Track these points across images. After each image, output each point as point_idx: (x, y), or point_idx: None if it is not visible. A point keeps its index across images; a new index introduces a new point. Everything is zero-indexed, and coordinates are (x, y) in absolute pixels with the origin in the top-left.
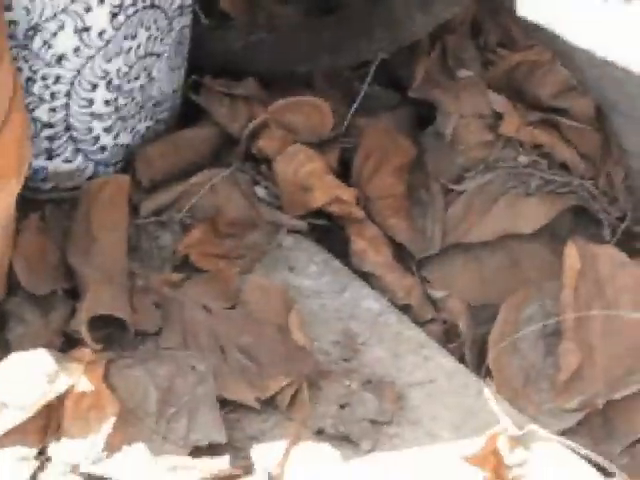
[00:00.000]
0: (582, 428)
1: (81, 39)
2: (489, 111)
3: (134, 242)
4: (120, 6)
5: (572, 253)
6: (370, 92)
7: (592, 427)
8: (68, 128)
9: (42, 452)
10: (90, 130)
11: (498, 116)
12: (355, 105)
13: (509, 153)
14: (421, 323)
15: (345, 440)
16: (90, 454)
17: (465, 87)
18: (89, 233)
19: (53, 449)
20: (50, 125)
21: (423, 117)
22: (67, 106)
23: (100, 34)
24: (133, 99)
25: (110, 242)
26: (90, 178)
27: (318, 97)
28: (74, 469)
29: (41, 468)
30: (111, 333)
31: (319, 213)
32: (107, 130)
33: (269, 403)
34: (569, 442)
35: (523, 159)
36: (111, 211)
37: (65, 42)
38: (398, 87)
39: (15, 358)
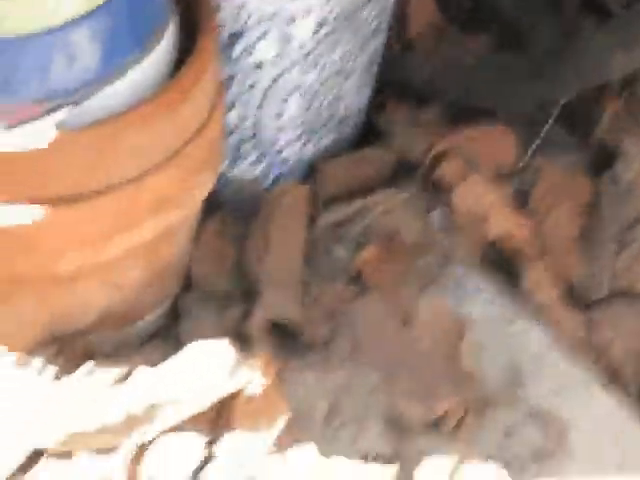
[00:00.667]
0: None
1: (282, 49)
2: None
3: (308, 254)
4: (323, 20)
5: None
6: (551, 132)
7: None
8: (254, 135)
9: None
10: (275, 141)
11: None
12: (536, 142)
13: None
14: (586, 363)
15: (507, 469)
16: (259, 451)
17: None
18: (266, 239)
19: (221, 444)
20: (238, 130)
21: (603, 163)
22: (257, 115)
23: (301, 46)
24: (320, 115)
25: (287, 249)
26: (270, 187)
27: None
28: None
29: (208, 460)
30: (280, 340)
31: (493, 245)
32: (291, 143)
33: (434, 425)
34: None
35: None
36: (289, 219)
37: (266, 50)
38: (580, 129)
39: (197, 347)
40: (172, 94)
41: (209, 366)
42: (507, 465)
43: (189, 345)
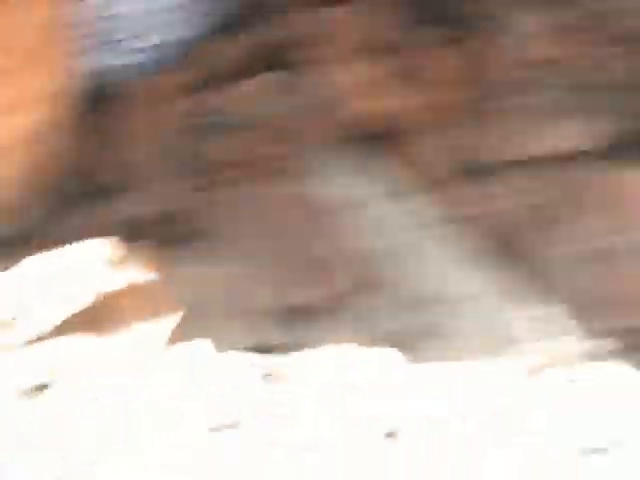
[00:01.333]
0: None
1: None
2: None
3: (179, 143)
4: None
5: None
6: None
7: None
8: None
9: None
10: (148, 27)
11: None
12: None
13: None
14: (473, 235)
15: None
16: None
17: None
18: (132, 129)
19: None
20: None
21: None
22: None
23: None
24: None
25: (152, 139)
26: (144, 75)
27: None
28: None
29: None
30: (163, 230)
31: (357, 124)
32: (165, 27)
33: (323, 310)
34: None
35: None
36: (154, 109)
37: None
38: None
39: (74, 248)
40: None
41: (90, 263)
42: (396, 345)
43: (67, 247)
